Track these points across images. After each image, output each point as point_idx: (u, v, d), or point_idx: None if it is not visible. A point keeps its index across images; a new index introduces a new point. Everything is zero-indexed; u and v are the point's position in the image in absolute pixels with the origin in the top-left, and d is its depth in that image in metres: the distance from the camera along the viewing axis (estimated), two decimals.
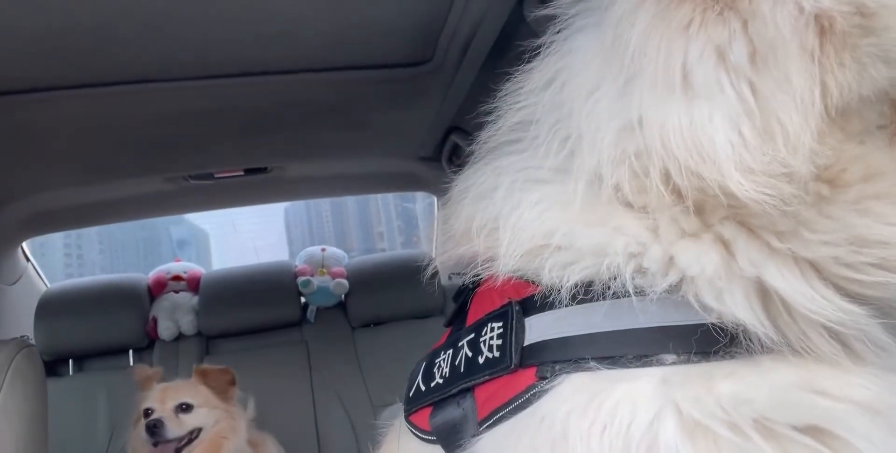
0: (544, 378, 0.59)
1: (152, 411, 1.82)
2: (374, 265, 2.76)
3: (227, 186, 2.26)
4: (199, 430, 1.85)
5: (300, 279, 2.66)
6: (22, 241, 2.50)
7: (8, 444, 1.24)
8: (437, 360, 0.73)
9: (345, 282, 2.67)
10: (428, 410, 0.71)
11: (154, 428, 1.74)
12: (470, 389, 0.66)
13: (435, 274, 0.75)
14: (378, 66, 1.33)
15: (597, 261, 0.58)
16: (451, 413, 0.67)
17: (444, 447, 0.67)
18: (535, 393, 0.59)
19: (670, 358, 0.55)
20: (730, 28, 0.51)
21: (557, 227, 0.61)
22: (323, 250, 2.82)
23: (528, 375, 0.60)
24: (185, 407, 1.84)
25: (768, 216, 0.52)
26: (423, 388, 0.73)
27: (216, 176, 2.11)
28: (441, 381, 0.70)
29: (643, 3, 0.54)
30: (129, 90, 1.39)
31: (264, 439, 2.02)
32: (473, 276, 0.69)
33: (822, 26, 0.48)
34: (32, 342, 2.36)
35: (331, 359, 2.53)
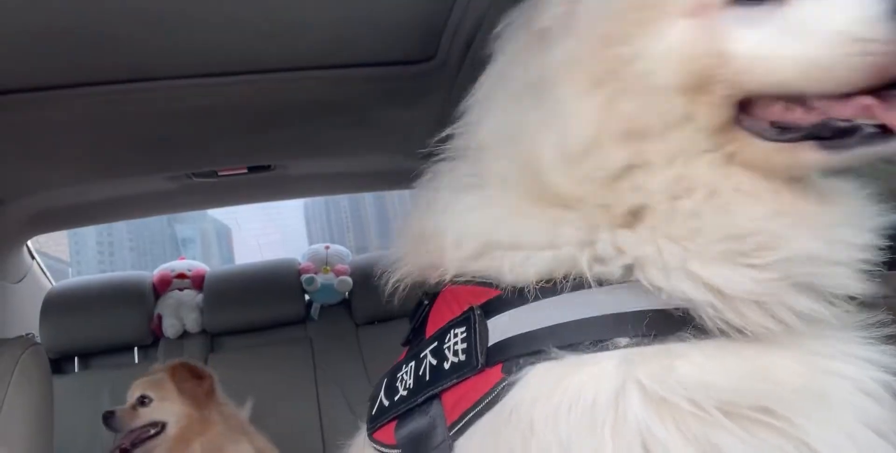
0: (510, 372, 0.61)
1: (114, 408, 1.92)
2: (377, 262, 2.75)
3: (231, 184, 2.26)
4: (164, 425, 1.89)
5: (304, 276, 2.66)
6: (27, 239, 2.51)
7: (14, 441, 1.25)
8: (398, 374, 0.74)
9: (348, 279, 2.67)
10: (392, 424, 0.72)
11: (106, 420, 1.88)
12: (437, 396, 0.67)
13: (399, 283, 0.78)
14: (381, 63, 1.33)
15: (552, 253, 0.63)
16: (418, 422, 0.68)
17: None
18: (503, 388, 0.61)
19: (624, 341, 0.59)
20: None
21: (495, 227, 0.66)
22: (327, 248, 2.83)
23: (496, 372, 0.62)
24: (144, 401, 1.92)
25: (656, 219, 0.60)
26: (385, 403, 0.74)
27: (220, 174, 2.11)
28: (405, 393, 0.71)
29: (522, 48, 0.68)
30: (131, 88, 1.38)
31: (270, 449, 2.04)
32: (426, 290, 0.74)
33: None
34: (38, 340, 2.38)
35: (335, 357, 2.53)
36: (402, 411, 0.70)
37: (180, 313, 2.59)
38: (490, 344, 0.64)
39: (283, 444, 2.09)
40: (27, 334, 2.39)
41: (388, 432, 0.72)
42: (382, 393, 0.76)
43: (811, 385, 0.59)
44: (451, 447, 0.64)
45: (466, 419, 0.63)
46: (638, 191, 0.60)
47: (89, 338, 2.48)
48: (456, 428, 0.63)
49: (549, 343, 0.60)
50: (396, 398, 0.72)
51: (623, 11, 0.61)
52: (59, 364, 2.49)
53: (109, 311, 2.50)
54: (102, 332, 2.49)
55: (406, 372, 0.73)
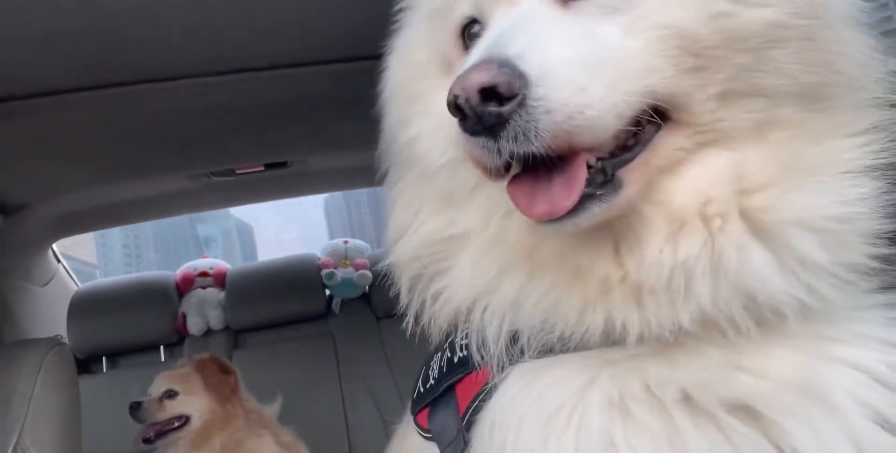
0: (499, 371, 0.63)
1: (148, 395, 1.94)
2: None
3: (249, 182, 2.27)
4: (188, 418, 1.90)
5: (324, 271, 2.67)
6: (52, 243, 2.55)
7: (44, 439, 1.27)
8: (431, 363, 0.78)
9: (368, 273, 2.68)
10: (426, 411, 0.75)
11: (132, 410, 1.90)
12: (451, 387, 0.71)
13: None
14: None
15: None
16: (443, 413, 0.71)
17: (438, 444, 0.71)
18: (493, 387, 0.64)
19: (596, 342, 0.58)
20: None
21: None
22: (345, 242, 2.83)
23: (487, 369, 0.65)
24: (170, 394, 1.93)
25: None
26: (421, 390, 0.77)
27: (238, 172, 2.12)
28: (433, 382, 0.74)
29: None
30: (147, 89, 1.39)
31: (298, 445, 2.04)
32: None
33: None
34: (65, 341, 2.43)
35: (357, 350, 2.54)
36: (430, 400, 0.74)
37: (204, 311, 2.62)
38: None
39: (309, 439, 2.10)
40: (56, 336, 2.45)
41: (424, 417, 0.76)
42: (420, 380, 0.79)
43: (805, 376, 0.56)
44: (463, 440, 0.66)
45: (470, 412, 0.65)
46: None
47: (116, 338, 2.52)
48: (465, 421, 0.66)
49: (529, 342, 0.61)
50: (428, 386, 0.75)
51: (403, 85, 0.68)
52: (87, 364, 2.54)
53: (135, 311, 2.54)
54: (128, 332, 2.53)
55: (436, 361, 0.76)
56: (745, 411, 0.55)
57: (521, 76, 0.50)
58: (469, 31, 0.64)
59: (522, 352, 0.61)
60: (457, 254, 0.66)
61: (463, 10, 0.64)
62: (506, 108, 0.50)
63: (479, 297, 0.64)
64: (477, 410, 0.64)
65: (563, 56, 0.53)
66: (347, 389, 2.47)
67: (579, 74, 0.52)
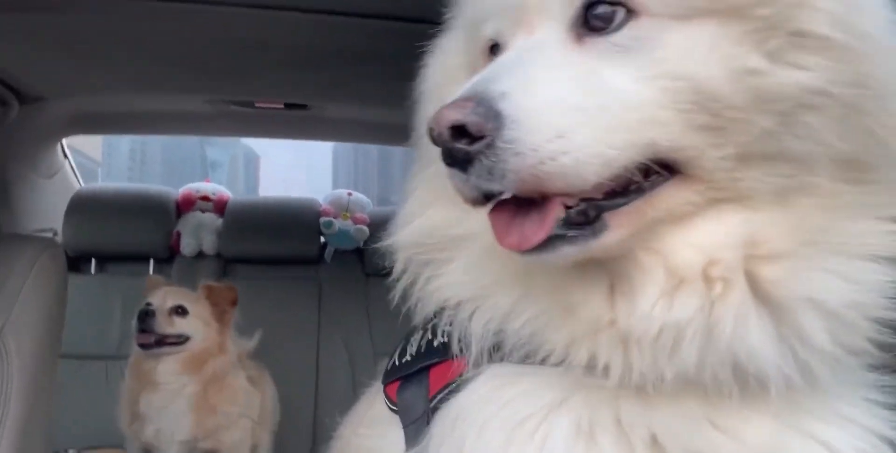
0: (475, 366, 0.63)
1: (151, 304, 1.90)
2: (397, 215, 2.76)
3: (267, 117, 2.26)
4: (187, 339, 1.90)
5: (323, 219, 2.69)
6: (62, 138, 2.55)
7: (24, 334, 1.30)
8: (412, 339, 0.77)
9: (365, 228, 2.69)
10: (397, 384, 0.75)
11: (145, 316, 1.84)
12: (426, 369, 0.70)
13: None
14: (424, 21, 1.33)
15: None
16: (413, 392, 0.71)
17: (402, 419, 0.71)
18: (466, 380, 0.63)
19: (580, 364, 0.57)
20: None
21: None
22: (349, 194, 2.84)
23: (464, 362, 0.64)
24: (180, 311, 1.91)
25: None
26: (397, 363, 0.77)
27: (257, 105, 2.11)
28: (409, 359, 0.74)
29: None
30: (180, 8, 1.37)
31: (264, 378, 2.08)
32: None
33: None
34: (59, 237, 2.46)
35: (341, 302, 2.57)
36: (404, 374, 0.74)
37: (199, 233, 2.65)
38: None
39: (277, 379, 2.15)
40: (51, 229, 2.48)
41: (393, 390, 0.76)
42: (398, 352, 0.78)
43: (775, 446, 0.56)
44: (427, 421, 0.66)
45: (436, 401, 0.65)
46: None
47: (109, 243, 2.55)
48: (431, 405, 0.66)
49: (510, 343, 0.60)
50: (404, 361, 0.75)
51: (438, 86, 0.68)
52: (76, 262, 2.57)
53: (132, 220, 2.57)
54: (122, 239, 2.56)
55: (417, 338, 0.76)
56: None
57: (496, 116, 0.49)
58: (494, 49, 0.63)
59: (502, 357, 0.61)
60: (457, 252, 0.66)
61: (486, 33, 0.62)
62: (473, 148, 0.50)
63: (470, 299, 0.63)
64: (445, 399, 0.64)
65: (548, 98, 0.51)
66: (324, 338, 2.51)
67: (562, 119, 0.50)
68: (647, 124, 0.51)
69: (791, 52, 0.51)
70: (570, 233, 0.52)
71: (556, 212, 0.52)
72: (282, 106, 2.10)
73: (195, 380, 1.88)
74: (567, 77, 0.53)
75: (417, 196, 0.71)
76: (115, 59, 1.77)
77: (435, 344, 0.69)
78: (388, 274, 0.72)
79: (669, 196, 0.54)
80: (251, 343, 2.07)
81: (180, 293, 1.97)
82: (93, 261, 2.62)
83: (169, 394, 1.86)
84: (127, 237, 2.56)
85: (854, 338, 0.56)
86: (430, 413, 0.66)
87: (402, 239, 0.71)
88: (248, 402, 1.98)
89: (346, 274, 2.67)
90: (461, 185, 0.53)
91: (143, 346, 1.85)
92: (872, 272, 0.54)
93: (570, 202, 0.52)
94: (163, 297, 1.93)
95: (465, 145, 0.50)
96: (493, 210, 0.55)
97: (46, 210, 2.50)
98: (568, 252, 0.53)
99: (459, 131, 0.50)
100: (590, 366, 0.56)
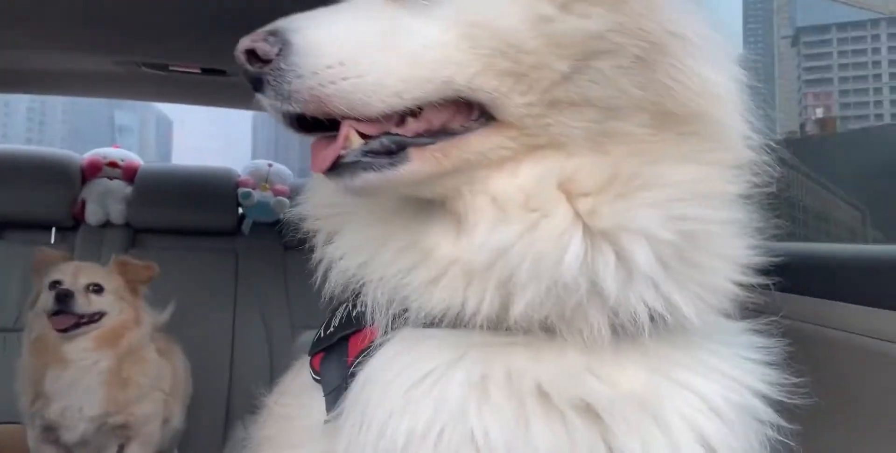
0: (385, 333, 0.66)
1: (62, 283, 1.78)
2: None
3: (181, 81, 2.17)
4: (102, 316, 1.82)
5: (241, 190, 2.64)
6: None
7: None
8: (337, 311, 0.79)
9: (286, 200, 2.66)
10: (321, 355, 0.77)
11: (64, 298, 1.73)
12: (346, 338, 0.73)
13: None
14: None
15: None
16: (334, 361, 0.74)
17: (323, 389, 0.73)
18: (377, 346, 0.66)
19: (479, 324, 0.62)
20: None
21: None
22: (269, 165, 2.79)
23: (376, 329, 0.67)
24: (96, 289, 1.82)
25: None
26: (321, 335, 0.79)
27: (171, 68, 2.02)
28: (332, 330, 0.76)
29: None
30: None
31: (174, 350, 2.02)
32: None
33: None
34: None
35: (259, 275, 2.55)
36: (326, 346, 0.76)
37: (105, 201, 2.53)
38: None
39: (191, 352, 2.11)
40: None
41: (318, 361, 0.77)
42: (324, 325, 0.81)
43: (648, 392, 0.61)
44: (345, 388, 0.68)
45: (352, 368, 0.68)
46: None
47: (7, 210, 2.40)
48: (349, 372, 0.69)
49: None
50: (328, 333, 0.77)
51: None
52: None
53: (32, 186, 2.42)
54: (21, 206, 2.41)
55: (341, 311, 0.78)
56: (589, 412, 0.60)
57: (285, 44, 0.58)
58: None
59: (406, 321, 0.65)
60: (346, 222, 0.71)
61: None
62: (261, 69, 0.59)
63: (362, 266, 0.68)
64: (360, 365, 0.67)
65: (338, 33, 0.59)
66: (241, 310, 2.48)
67: (347, 50, 0.58)
68: (443, 63, 0.58)
69: (578, 2, 0.58)
70: (366, 159, 0.59)
71: (345, 135, 0.59)
72: (198, 70, 2.03)
73: (109, 355, 1.80)
74: (366, 20, 0.61)
75: None
76: (13, 11, 1.65)
77: (354, 314, 0.72)
78: (308, 246, 0.74)
79: (480, 140, 0.61)
80: (164, 315, 2.01)
81: (92, 269, 1.87)
82: None
83: (80, 371, 1.76)
84: (26, 203, 2.41)
85: (707, 273, 0.62)
86: (347, 380, 0.69)
87: (306, 209, 0.76)
88: (159, 374, 1.93)
89: (264, 246, 2.64)
90: (269, 110, 0.61)
91: (62, 331, 1.73)
92: (701, 208, 0.60)
93: (367, 131, 0.59)
94: (74, 274, 1.81)
95: (255, 68, 0.59)
96: (314, 142, 0.63)
97: None
98: (369, 178, 0.60)
99: (254, 56, 0.59)
100: (450, 311, 0.62)
